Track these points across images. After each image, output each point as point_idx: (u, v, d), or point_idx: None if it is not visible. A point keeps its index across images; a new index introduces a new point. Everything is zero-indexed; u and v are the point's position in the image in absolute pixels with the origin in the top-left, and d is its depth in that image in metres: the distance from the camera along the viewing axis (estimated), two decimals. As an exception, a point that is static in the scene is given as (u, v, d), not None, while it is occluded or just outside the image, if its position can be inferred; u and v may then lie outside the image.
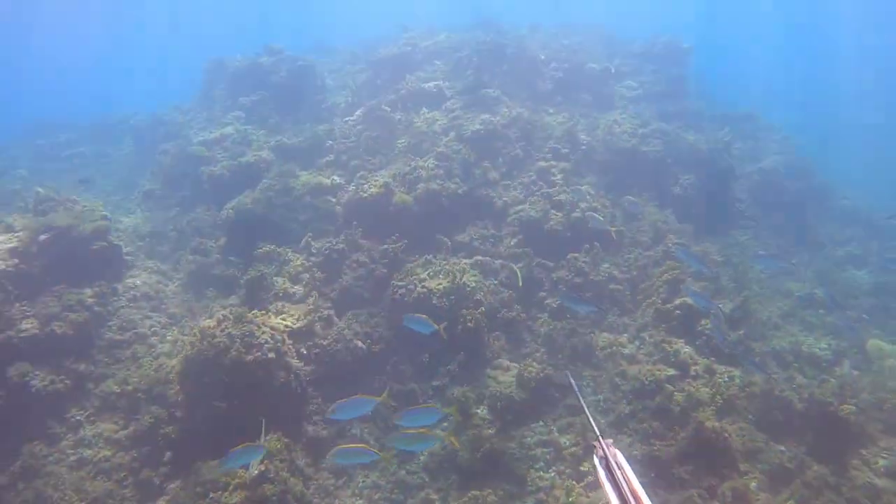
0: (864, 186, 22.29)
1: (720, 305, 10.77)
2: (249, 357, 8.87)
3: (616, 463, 2.50)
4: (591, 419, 2.89)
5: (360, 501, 8.59)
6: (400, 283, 10.84)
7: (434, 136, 14.59)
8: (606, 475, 2.49)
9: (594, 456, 2.62)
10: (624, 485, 2.35)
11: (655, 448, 8.69)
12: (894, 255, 15.51)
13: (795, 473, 8.45)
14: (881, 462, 8.63)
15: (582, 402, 3.24)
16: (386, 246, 11.73)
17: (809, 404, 9.05)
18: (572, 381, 3.63)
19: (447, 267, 11.43)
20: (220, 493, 7.62)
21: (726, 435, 8.39)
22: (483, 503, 8.22)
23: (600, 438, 2.66)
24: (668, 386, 9.48)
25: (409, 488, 8.79)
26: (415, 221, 12.38)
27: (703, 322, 10.40)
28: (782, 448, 8.75)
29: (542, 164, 13.31)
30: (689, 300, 10.47)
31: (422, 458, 9.18)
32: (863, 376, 10.63)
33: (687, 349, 10.04)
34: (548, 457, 9.03)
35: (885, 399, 9.67)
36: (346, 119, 16.96)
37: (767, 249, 14.27)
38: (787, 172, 17.49)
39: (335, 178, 14.29)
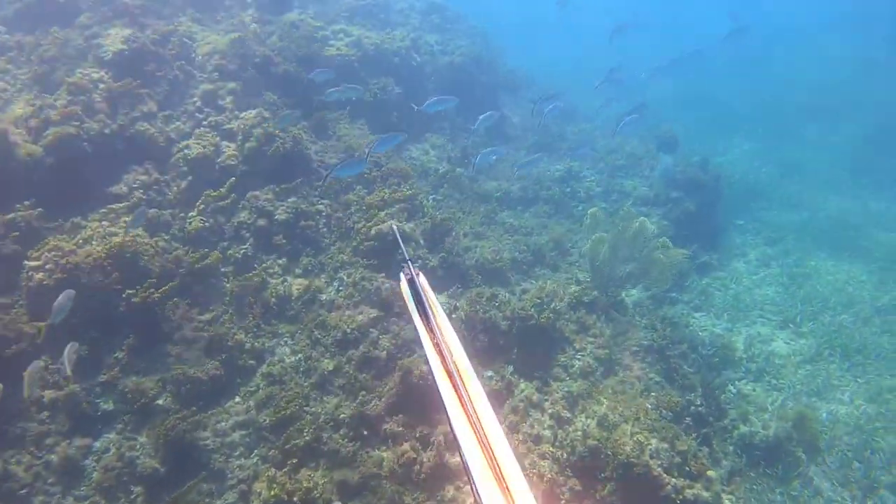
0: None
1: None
2: None
3: (419, 283, 2.75)
4: (402, 245, 3.15)
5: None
6: (35, 263, 8.57)
7: (68, 61, 11.71)
8: (411, 291, 2.74)
9: (401, 274, 2.86)
10: (425, 299, 2.62)
11: (364, 404, 7.93)
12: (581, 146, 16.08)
13: (504, 396, 8.25)
14: (576, 364, 8.74)
15: (398, 237, 3.47)
16: (13, 214, 9.22)
17: (512, 321, 8.82)
18: (395, 228, 4.08)
19: (100, 229, 9.34)
20: None
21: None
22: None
23: (409, 261, 2.91)
24: (372, 330, 8.69)
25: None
26: (52, 177, 9.85)
27: (400, 252, 9.65)
28: (490, 373, 8.46)
29: (208, 86, 11.29)
30: (387, 226, 9.65)
31: (94, 475, 7.53)
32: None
33: (389, 283, 9.26)
34: (247, 440, 7.89)
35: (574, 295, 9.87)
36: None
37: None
38: (478, 66, 17.18)
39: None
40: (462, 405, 1.99)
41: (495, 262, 10.51)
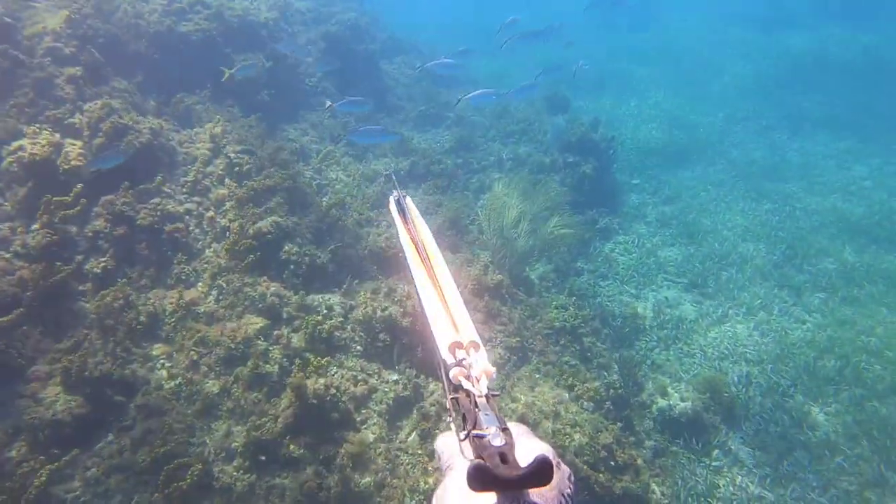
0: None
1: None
2: None
3: (405, 202, 3.19)
4: (395, 180, 4.18)
5: None
6: None
7: None
8: (398, 209, 3.15)
9: (391, 198, 3.27)
10: (409, 215, 3.05)
11: (259, 427, 7.03)
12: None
13: (411, 401, 7.57)
14: (489, 357, 8.13)
15: (394, 179, 4.34)
16: None
17: (414, 317, 8.11)
18: (393, 176, 4.64)
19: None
20: None
21: (333, 391, 7.03)
22: None
23: (397, 189, 3.33)
24: (260, 343, 7.74)
25: None
26: None
27: (286, 248, 8.67)
28: (395, 377, 7.74)
29: (40, 74, 9.71)
30: (268, 223, 8.62)
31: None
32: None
33: (273, 286, 8.29)
34: (123, 485, 6.82)
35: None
36: None
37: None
38: (355, 34, 16.01)
39: None
40: (430, 278, 2.48)
41: (389, 250, 9.70)
